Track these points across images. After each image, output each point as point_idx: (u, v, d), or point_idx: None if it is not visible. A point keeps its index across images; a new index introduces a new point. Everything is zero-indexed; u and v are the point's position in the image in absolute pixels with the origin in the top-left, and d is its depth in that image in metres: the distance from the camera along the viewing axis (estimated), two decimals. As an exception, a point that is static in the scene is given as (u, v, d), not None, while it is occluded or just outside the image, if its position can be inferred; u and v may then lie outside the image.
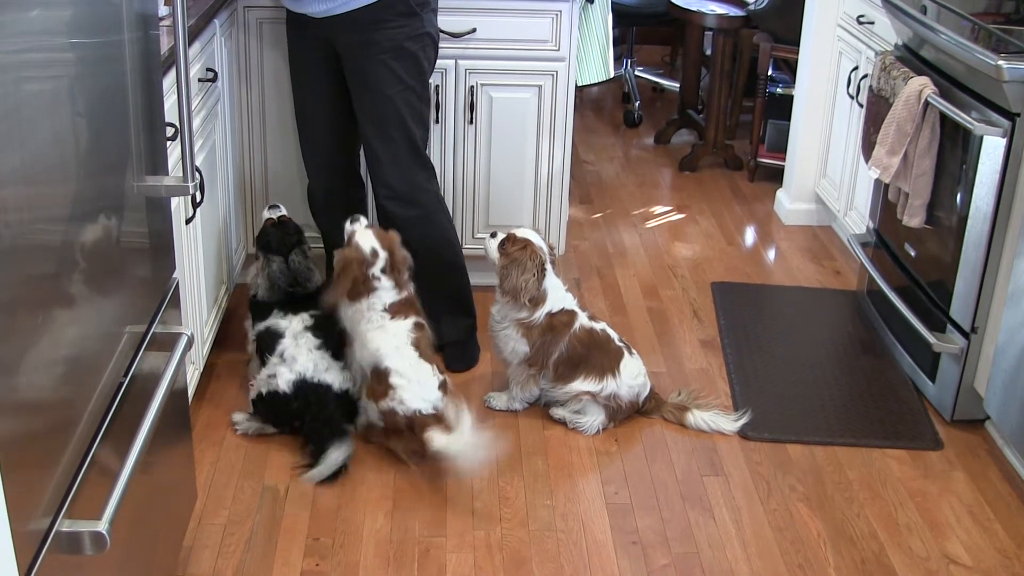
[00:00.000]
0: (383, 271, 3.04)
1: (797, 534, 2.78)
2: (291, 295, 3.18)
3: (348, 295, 3.03)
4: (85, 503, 1.78)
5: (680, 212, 4.76)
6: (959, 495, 2.96)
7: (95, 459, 1.84)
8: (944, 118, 3.24)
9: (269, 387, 3.01)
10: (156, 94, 2.25)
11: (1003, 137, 3.00)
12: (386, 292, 3.04)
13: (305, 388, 2.98)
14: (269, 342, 3.09)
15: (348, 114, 3.32)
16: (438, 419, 2.92)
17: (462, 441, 2.83)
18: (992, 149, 3.04)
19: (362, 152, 3.45)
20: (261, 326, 3.16)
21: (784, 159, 4.85)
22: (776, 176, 4.95)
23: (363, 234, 3.06)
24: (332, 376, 3.03)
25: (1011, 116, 2.99)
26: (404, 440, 2.96)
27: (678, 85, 5.86)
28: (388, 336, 3.01)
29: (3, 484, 1.49)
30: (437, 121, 3.63)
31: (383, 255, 3.04)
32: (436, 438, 2.86)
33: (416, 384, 2.96)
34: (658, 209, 4.78)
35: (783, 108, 4.99)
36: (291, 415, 3.00)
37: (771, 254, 4.41)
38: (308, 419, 2.96)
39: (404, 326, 3.03)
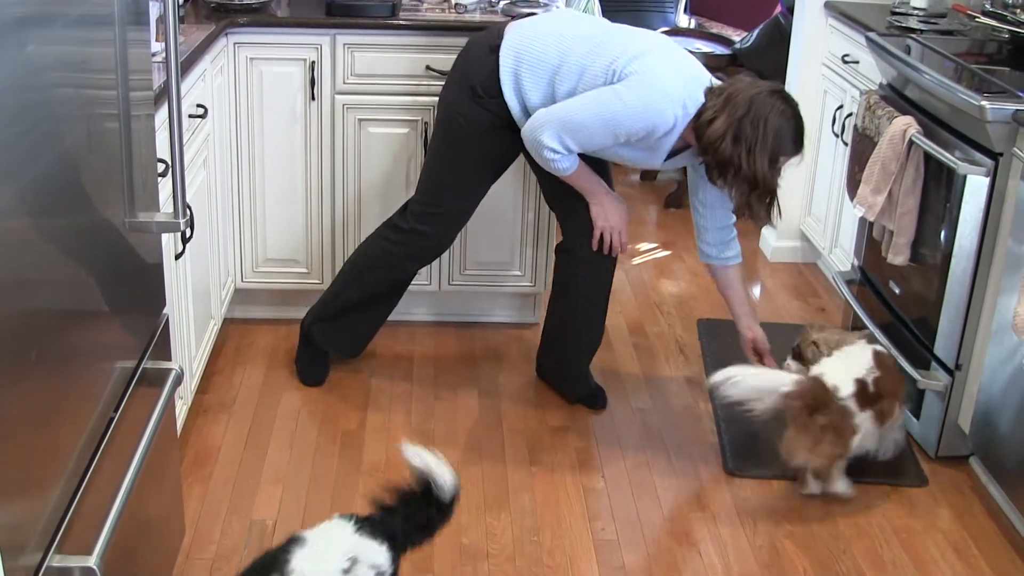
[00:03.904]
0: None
1: (783, 570, 2.79)
2: None
3: None
4: (76, 538, 1.79)
5: (666, 249, 4.79)
6: (944, 532, 2.97)
7: (85, 494, 1.85)
8: (928, 157, 3.28)
9: None
10: (147, 130, 2.27)
11: (986, 176, 3.04)
12: None
13: None
14: None
15: None
16: None
17: None
18: (975, 188, 3.08)
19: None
20: None
21: (769, 197, 4.88)
22: (761, 213, 4.98)
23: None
24: None
25: (994, 155, 3.03)
26: None
27: (664, 123, 5.90)
28: None
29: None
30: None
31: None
32: None
33: None
34: (644, 246, 4.81)
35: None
36: None
37: (756, 291, 4.44)
38: None
39: None
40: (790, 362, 3.33)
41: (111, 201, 2.06)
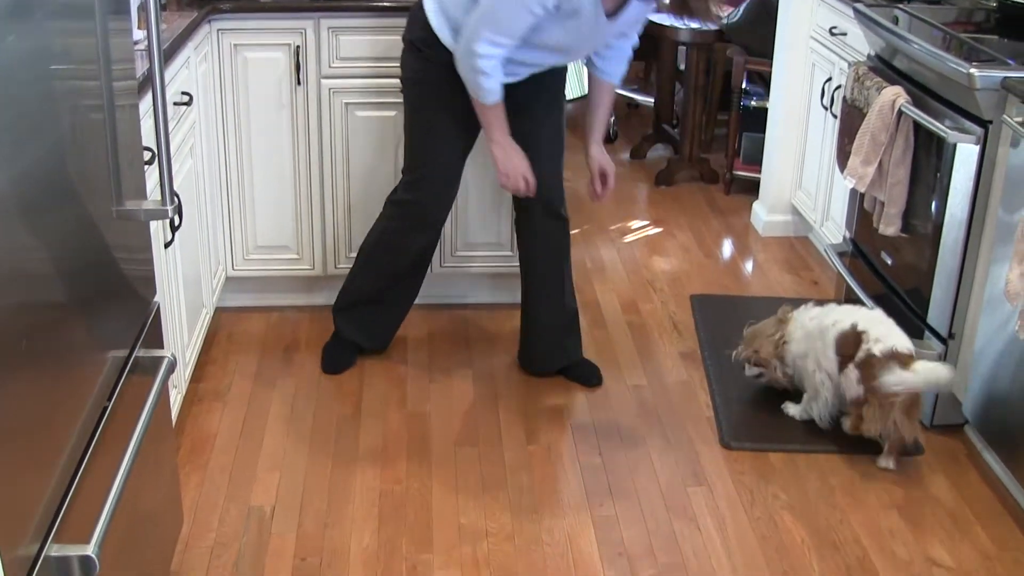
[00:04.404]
0: None
1: (781, 542, 2.80)
2: None
3: None
4: (73, 528, 1.78)
5: (657, 226, 4.78)
6: (940, 500, 2.98)
7: (82, 484, 1.84)
8: (918, 127, 3.27)
9: None
10: (132, 119, 2.26)
11: (976, 144, 3.04)
12: None
13: None
14: None
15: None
16: None
17: None
18: (966, 157, 3.08)
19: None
20: None
21: (760, 171, 4.88)
22: (752, 188, 4.99)
23: None
24: None
25: (983, 123, 3.02)
26: None
27: (652, 100, 5.90)
28: None
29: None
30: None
31: None
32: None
33: None
34: (635, 224, 4.81)
35: (758, 121, 5.03)
36: None
37: (749, 266, 4.44)
38: None
39: None
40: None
41: (98, 191, 2.05)
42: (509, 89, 3.14)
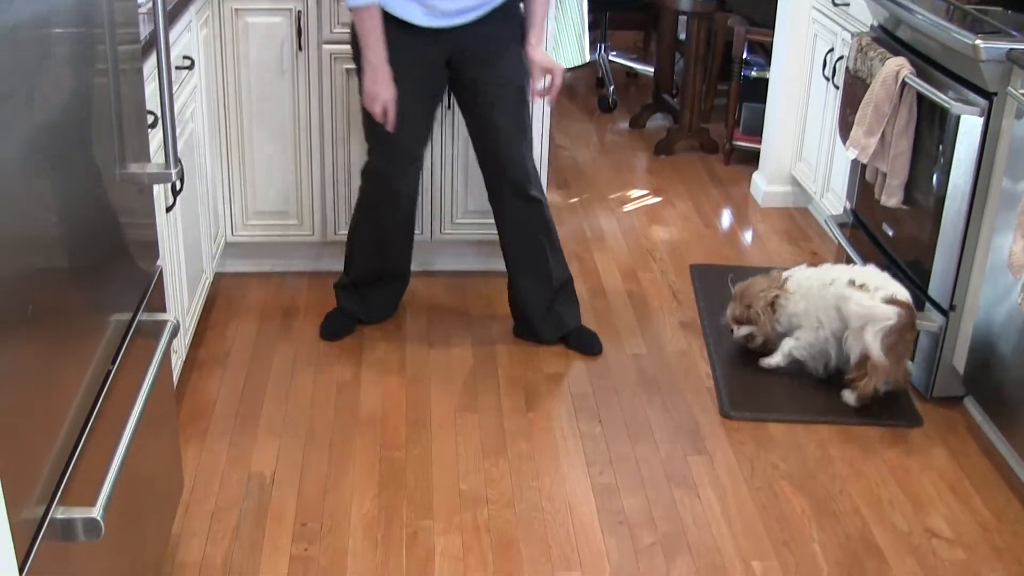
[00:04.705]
0: None
1: (781, 511, 2.81)
2: None
3: None
4: (78, 491, 1.78)
5: (657, 196, 4.77)
6: (939, 471, 2.99)
7: (86, 447, 1.84)
8: (921, 98, 3.26)
9: None
10: (136, 82, 2.24)
11: (980, 116, 3.03)
12: None
13: None
14: None
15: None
16: None
17: None
18: (969, 128, 3.07)
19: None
20: None
21: (759, 142, 4.87)
22: (752, 159, 4.98)
23: None
24: None
25: (988, 95, 3.01)
26: None
27: (652, 70, 5.88)
28: None
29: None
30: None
31: None
32: None
33: None
34: (635, 193, 4.80)
35: (758, 91, 5.01)
36: None
37: (748, 236, 4.44)
38: None
39: None
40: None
41: (103, 154, 2.03)
42: (459, 64, 3.15)
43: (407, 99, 3.19)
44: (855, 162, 3.74)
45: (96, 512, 1.74)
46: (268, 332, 3.55)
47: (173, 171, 2.24)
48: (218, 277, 3.79)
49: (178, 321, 2.36)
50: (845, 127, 3.63)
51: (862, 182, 3.71)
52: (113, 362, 2.04)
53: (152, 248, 2.39)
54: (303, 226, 3.80)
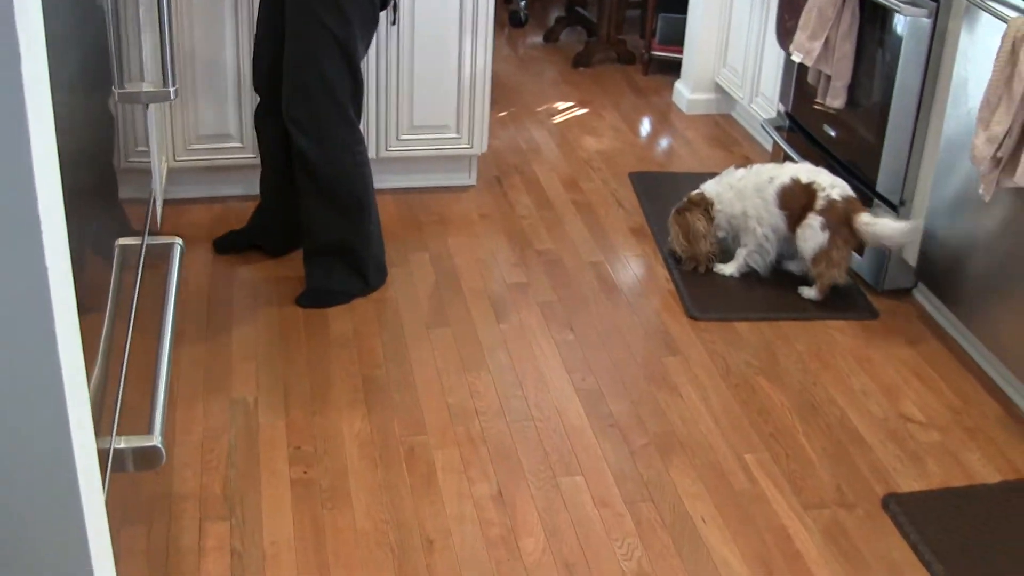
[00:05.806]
0: None
1: (762, 405, 2.90)
2: None
3: None
4: (129, 420, 1.75)
5: (583, 107, 4.79)
6: (902, 359, 3.12)
7: (127, 377, 1.80)
8: (863, 1, 3.33)
9: None
10: (126, -2, 2.16)
11: (928, 19, 3.11)
12: None
13: None
14: None
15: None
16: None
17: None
18: (917, 30, 3.15)
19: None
20: None
21: (678, 52, 4.92)
22: (670, 68, 5.03)
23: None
24: None
25: (935, -5, 3.10)
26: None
27: (561, -19, 5.86)
28: None
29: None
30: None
31: None
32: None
33: None
34: (561, 105, 4.81)
35: (672, 1, 5.04)
36: None
37: (679, 143, 4.50)
38: None
39: None
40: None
41: (99, 72, 1.96)
42: None
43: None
44: (789, 66, 3.81)
45: (156, 440, 1.71)
46: (222, 258, 3.48)
47: (171, 89, 2.17)
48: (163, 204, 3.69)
49: (183, 243, 2.30)
50: (785, 32, 3.70)
51: (798, 85, 3.79)
52: (134, 287, 1.98)
53: (147, 173, 2.32)
54: (247, 148, 3.71)
